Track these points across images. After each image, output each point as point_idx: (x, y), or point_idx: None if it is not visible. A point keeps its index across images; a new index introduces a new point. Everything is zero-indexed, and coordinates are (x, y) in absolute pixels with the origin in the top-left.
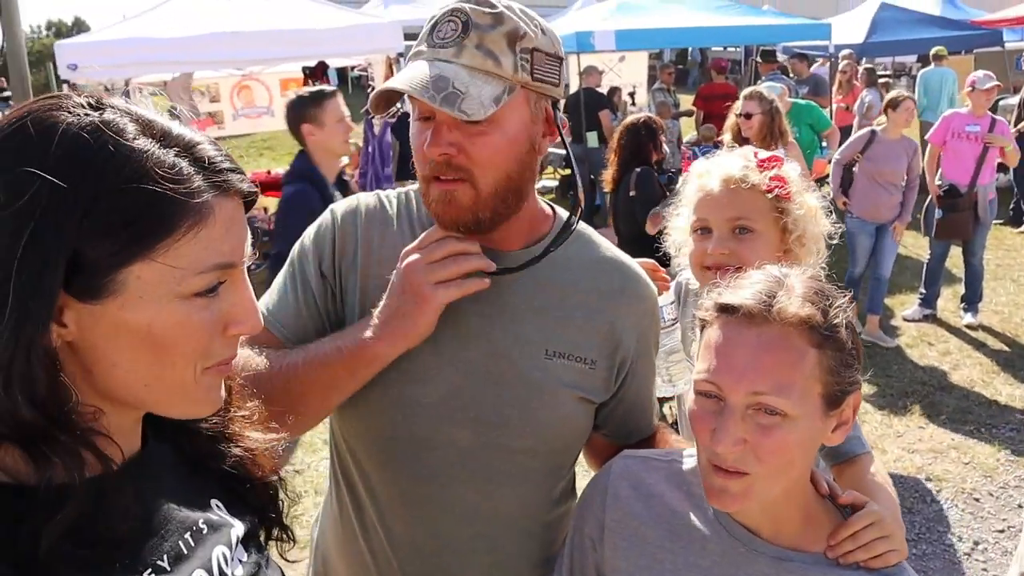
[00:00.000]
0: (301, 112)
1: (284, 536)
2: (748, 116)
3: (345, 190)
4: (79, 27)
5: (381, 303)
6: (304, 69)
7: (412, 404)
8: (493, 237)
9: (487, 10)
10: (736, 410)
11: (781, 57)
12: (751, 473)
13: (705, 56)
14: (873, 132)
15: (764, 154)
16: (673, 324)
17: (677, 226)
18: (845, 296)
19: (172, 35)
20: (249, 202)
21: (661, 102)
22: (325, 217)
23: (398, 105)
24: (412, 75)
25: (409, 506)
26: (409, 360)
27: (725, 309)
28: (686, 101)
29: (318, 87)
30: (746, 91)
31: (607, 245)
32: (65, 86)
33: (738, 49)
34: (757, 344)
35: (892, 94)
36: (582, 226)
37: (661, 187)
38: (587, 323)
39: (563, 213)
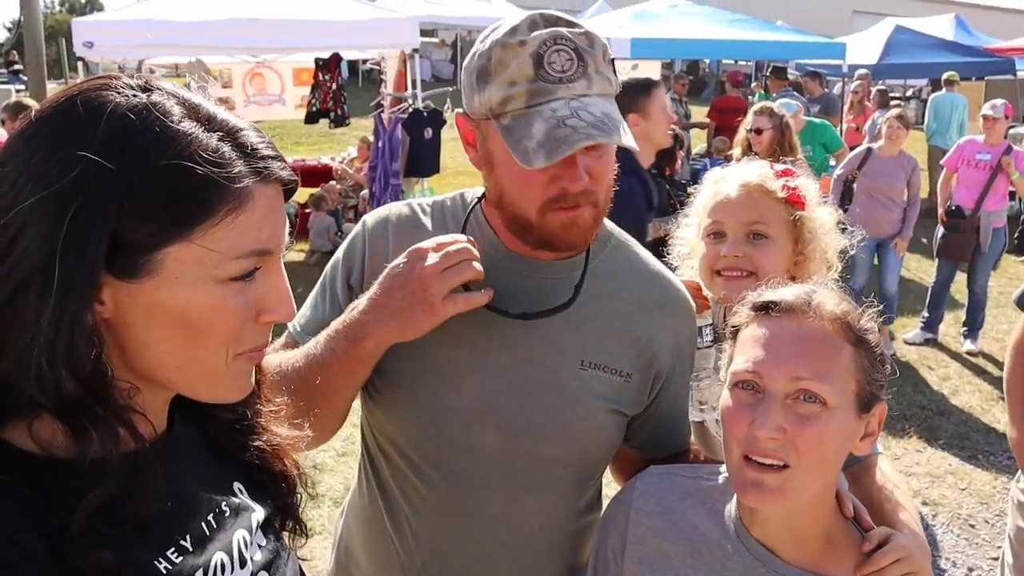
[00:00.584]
0: (629, 101)
1: (297, 529)
2: (759, 131)
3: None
4: (92, 5)
5: (374, 292)
6: (317, 60)
7: (443, 408)
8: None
9: (579, 31)
10: (776, 398)
11: (794, 74)
12: (791, 466)
13: (719, 68)
14: (869, 149)
15: (780, 166)
16: (710, 346)
17: (684, 236)
18: (871, 308)
19: (189, 18)
20: (289, 191)
21: (673, 111)
22: (357, 229)
23: (408, 101)
24: (577, 120)
25: (436, 508)
26: (441, 364)
27: (764, 307)
28: (698, 113)
29: (644, 77)
30: (756, 106)
31: (649, 257)
32: (79, 64)
33: (749, 63)
34: (798, 334)
35: (888, 114)
36: (624, 236)
37: (670, 197)
38: (624, 335)
39: (608, 225)
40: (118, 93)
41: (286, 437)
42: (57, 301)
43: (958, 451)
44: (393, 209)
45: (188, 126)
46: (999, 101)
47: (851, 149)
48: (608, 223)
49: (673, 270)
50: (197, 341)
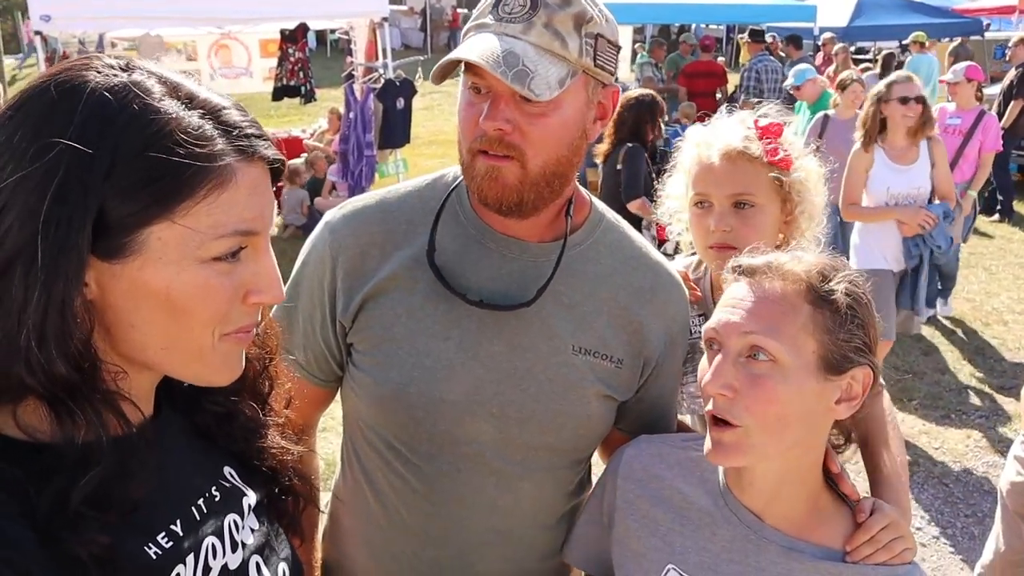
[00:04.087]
0: None
1: (291, 529)
2: (911, 101)
3: None
4: None
5: None
6: (282, 31)
7: (435, 401)
8: (523, 226)
9: None
10: (729, 354)
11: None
12: (742, 425)
13: (682, 31)
14: (825, 116)
15: (764, 121)
16: (699, 336)
17: (672, 193)
18: (856, 274)
19: None
20: (276, 171)
21: (648, 76)
22: (320, 233)
23: (379, 71)
24: (481, 48)
25: (428, 498)
26: (431, 357)
27: (735, 270)
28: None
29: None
30: (895, 76)
31: (641, 240)
32: (37, 38)
33: (720, 27)
34: (755, 294)
35: (841, 75)
36: (615, 218)
37: (648, 163)
38: (616, 320)
39: (599, 207)
40: (98, 73)
41: (279, 445)
42: (43, 281)
43: (931, 411)
44: (357, 203)
45: (168, 104)
46: (960, 65)
47: None
48: (599, 204)
49: (661, 241)
50: (182, 322)
